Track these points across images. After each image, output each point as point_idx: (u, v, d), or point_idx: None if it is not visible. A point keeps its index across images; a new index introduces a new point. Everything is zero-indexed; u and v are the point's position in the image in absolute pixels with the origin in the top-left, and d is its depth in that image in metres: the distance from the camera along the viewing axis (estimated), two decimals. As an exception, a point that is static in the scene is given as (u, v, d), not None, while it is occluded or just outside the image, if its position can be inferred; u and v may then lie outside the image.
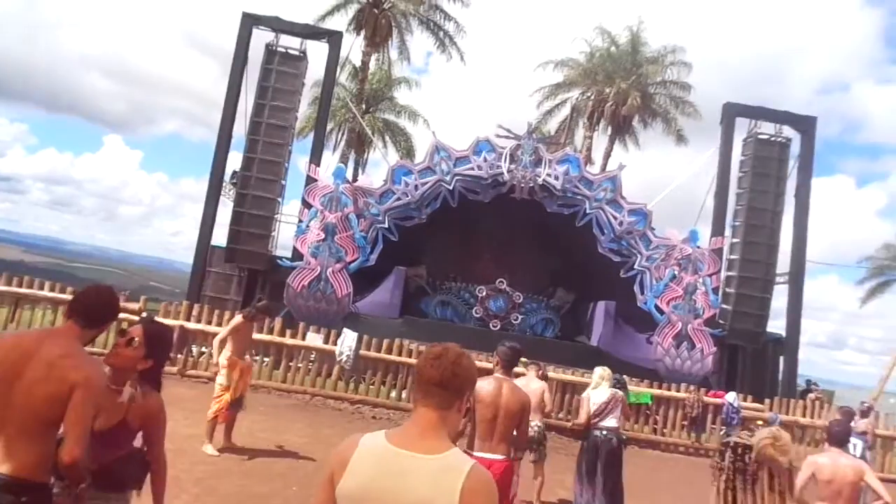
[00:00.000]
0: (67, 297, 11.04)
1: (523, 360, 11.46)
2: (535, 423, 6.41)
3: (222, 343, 7.29)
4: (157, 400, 2.73)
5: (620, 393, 6.72)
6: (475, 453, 4.03)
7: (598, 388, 6.50)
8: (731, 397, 12.06)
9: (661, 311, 14.84)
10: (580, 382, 11.91)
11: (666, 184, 17.71)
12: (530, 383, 6.60)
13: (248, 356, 7.66)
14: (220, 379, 7.12)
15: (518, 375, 7.29)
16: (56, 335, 2.48)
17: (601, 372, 6.63)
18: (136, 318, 9.33)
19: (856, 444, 6.23)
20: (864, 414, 9.93)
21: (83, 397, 2.28)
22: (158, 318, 11.65)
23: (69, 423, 2.28)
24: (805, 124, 16.81)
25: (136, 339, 2.65)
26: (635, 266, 15.19)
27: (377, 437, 1.75)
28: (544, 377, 7.31)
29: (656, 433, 12.03)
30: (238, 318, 7.46)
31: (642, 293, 15.12)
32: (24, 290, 11.10)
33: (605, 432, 6.35)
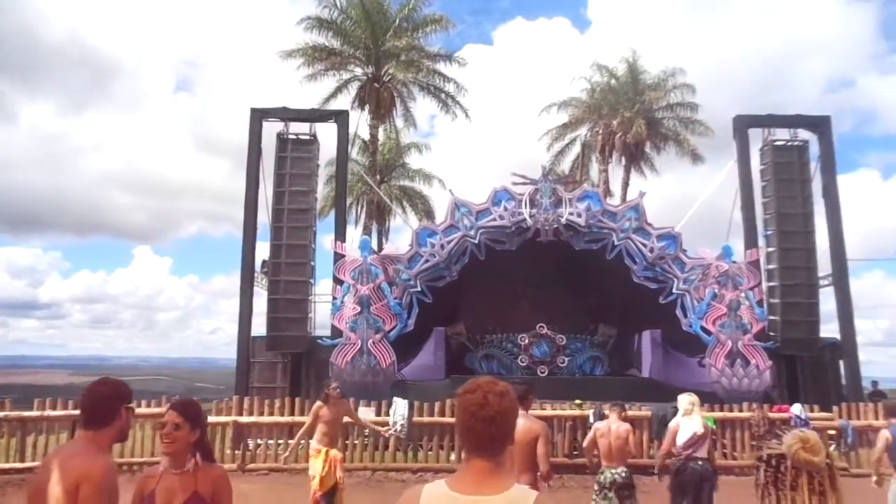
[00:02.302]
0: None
1: (577, 402, 11.26)
2: (621, 469, 6.23)
3: (308, 432, 7.24)
4: (220, 468, 2.93)
5: (711, 425, 6.58)
6: None
7: (688, 415, 6.33)
8: (796, 409, 11.66)
9: (709, 332, 14.52)
10: (637, 417, 11.66)
11: (691, 205, 17.62)
12: (612, 426, 6.40)
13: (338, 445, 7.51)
14: (310, 469, 7.01)
15: (603, 418, 7.18)
16: (73, 442, 2.81)
17: (690, 398, 6.46)
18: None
19: None
20: None
21: (88, 491, 2.46)
22: (212, 418, 11.74)
23: None
24: (819, 124, 16.69)
25: (176, 421, 2.83)
26: (673, 290, 14.98)
27: (439, 485, 1.76)
28: (626, 418, 6.96)
29: (726, 458, 11.63)
30: (317, 404, 7.40)
31: (685, 316, 14.86)
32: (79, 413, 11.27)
33: (700, 463, 6.17)
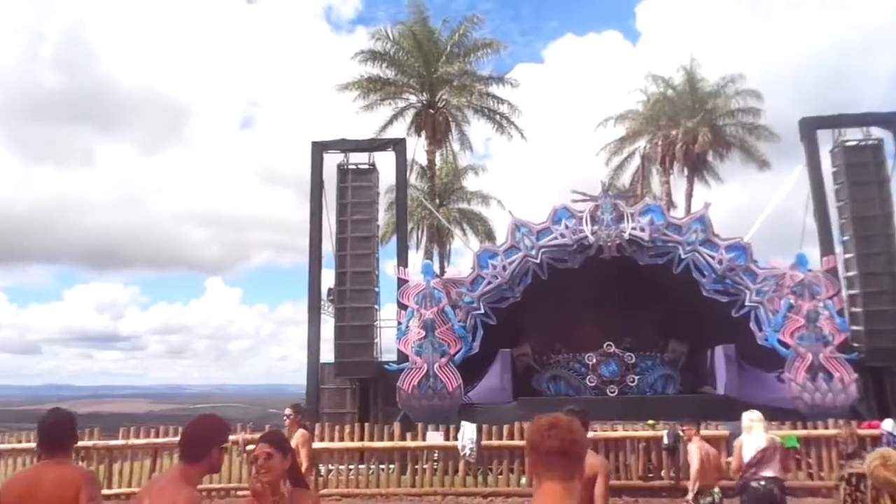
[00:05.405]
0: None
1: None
2: (717, 490, 6.12)
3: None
4: (314, 494, 3.06)
5: (779, 440, 6.34)
6: None
7: (751, 432, 6.16)
8: (888, 425, 11.00)
9: (786, 346, 13.92)
10: (714, 436, 11.23)
11: (758, 213, 17.04)
12: (704, 447, 6.35)
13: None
14: None
15: (678, 439, 6.94)
16: (166, 473, 3.16)
17: (750, 416, 6.30)
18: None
19: None
20: None
21: None
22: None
23: None
24: (893, 121, 15.91)
25: (268, 451, 2.89)
26: (746, 303, 14.45)
27: None
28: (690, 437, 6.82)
29: (813, 478, 11.06)
30: None
31: (760, 330, 14.29)
32: (160, 440, 11.72)
33: (763, 482, 5.94)
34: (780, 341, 14.04)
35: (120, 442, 11.80)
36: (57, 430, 3.24)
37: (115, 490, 11.08)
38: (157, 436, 11.81)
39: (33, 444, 11.24)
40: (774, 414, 12.00)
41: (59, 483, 3.01)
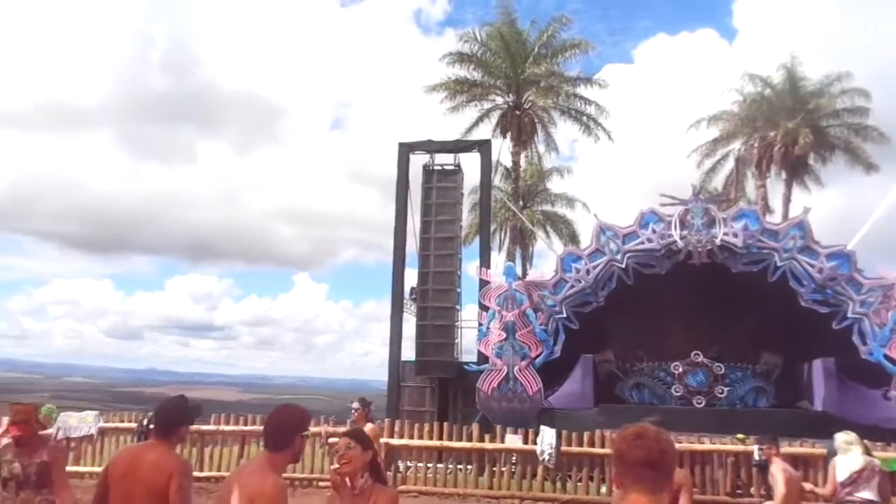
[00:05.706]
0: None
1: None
2: None
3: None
4: (393, 491, 3.13)
5: (878, 462, 6.01)
6: None
7: (847, 454, 5.88)
8: None
9: (893, 361, 12.99)
10: (812, 455, 10.62)
11: (862, 219, 15.97)
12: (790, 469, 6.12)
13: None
14: None
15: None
16: (252, 461, 3.19)
17: (845, 437, 6.02)
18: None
19: None
20: None
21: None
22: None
23: None
24: None
25: (349, 443, 3.03)
26: (849, 314, 13.59)
27: None
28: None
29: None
30: None
31: (864, 343, 13.40)
32: (248, 428, 12.21)
33: None
34: (886, 356, 13.12)
35: (211, 427, 12.37)
36: (167, 416, 3.46)
37: (206, 473, 11.63)
38: (245, 423, 12.30)
39: (134, 424, 12.01)
40: (879, 434, 11.25)
41: (155, 467, 3.22)
